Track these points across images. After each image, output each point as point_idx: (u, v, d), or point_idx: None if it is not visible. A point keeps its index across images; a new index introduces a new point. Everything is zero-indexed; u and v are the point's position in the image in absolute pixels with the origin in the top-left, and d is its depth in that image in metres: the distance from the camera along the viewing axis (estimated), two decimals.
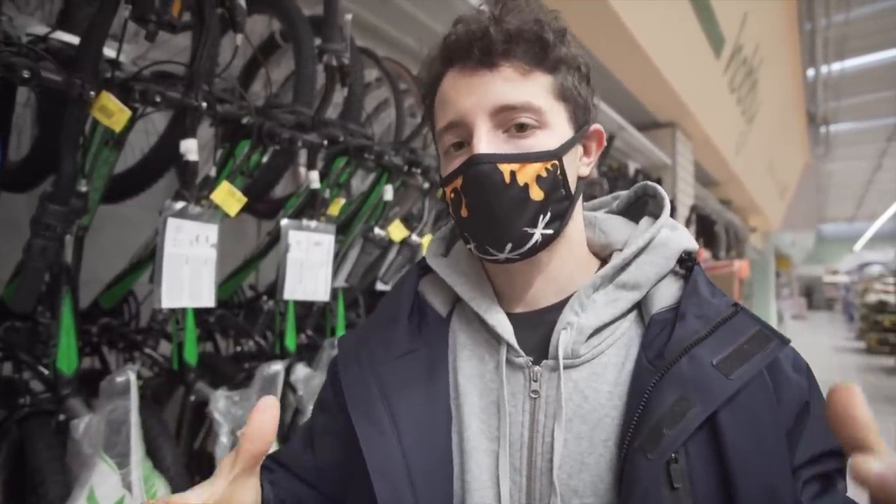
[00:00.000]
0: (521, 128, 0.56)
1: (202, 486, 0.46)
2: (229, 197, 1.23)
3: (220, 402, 1.27)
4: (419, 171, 1.83)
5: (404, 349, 0.61)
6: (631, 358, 0.57)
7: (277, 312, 1.60)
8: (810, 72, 7.28)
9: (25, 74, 0.93)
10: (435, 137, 0.63)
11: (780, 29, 5.80)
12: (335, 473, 0.64)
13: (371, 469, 0.54)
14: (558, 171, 0.57)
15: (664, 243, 0.61)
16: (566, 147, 0.58)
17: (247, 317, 1.73)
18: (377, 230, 1.78)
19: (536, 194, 0.56)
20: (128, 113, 1.04)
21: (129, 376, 1.05)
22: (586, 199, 0.70)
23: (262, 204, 1.86)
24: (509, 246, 0.57)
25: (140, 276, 1.40)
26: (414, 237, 1.89)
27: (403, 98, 1.94)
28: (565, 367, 0.57)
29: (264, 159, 1.42)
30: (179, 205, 1.15)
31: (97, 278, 1.44)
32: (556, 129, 0.57)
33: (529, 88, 0.56)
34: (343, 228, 1.76)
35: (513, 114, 0.56)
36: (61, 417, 1.09)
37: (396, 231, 1.81)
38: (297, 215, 1.52)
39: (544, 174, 0.56)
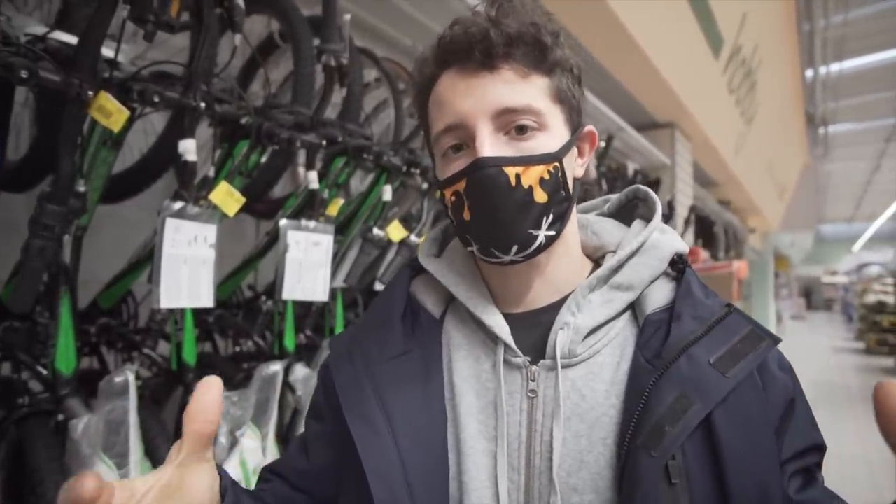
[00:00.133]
0: (522, 130, 0.56)
1: (152, 472, 0.46)
2: (228, 197, 1.23)
3: None
4: (418, 171, 1.83)
5: (398, 350, 0.61)
6: (626, 357, 0.58)
7: (276, 312, 1.60)
8: (809, 72, 7.29)
9: (24, 74, 0.93)
10: (429, 139, 0.62)
11: (779, 29, 5.81)
12: (329, 475, 0.63)
13: (367, 470, 0.53)
14: (559, 173, 0.57)
15: (656, 245, 0.62)
16: (565, 149, 0.58)
17: (245, 317, 1.73)
18: (376, 230, 1.78)
19: (540, 196, 0.56)
20: (126, 113, 1.04)
21: (127, 376, 1.05)
22: (581, 200, 0.70)
23: (260, 204, 1.86)
24: (515, 248, 0.57)
25: (139, 276, 1.40)
26: (413, 237, 1.88)
27: (402, 98, 1.94)
28: (562, 367, 0.57)
29: (263, 159, 1.42)
30: (178, 205, 1.15)
31: (96, 278, 1.44)
32: (555, 131, 0.58)
33: (529, 91, 0.56)
34: (342, 229, 1.76)
35: (514, 116, 0.56)
36: (60, 417, 1.08)
37: (395, 231, 1.81)
38: (295, 215, 1.52)
39: (547, 176, 0.56)
